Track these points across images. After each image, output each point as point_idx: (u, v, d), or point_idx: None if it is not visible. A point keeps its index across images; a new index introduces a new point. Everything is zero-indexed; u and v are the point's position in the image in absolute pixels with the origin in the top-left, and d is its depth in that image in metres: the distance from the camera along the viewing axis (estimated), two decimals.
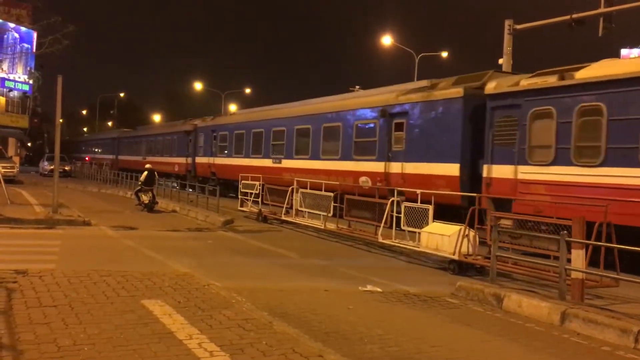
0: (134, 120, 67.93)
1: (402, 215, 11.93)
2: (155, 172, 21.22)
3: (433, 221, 11.26)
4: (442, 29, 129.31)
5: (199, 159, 30.57)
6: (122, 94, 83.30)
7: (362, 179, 17.27)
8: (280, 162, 22.52)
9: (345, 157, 18.65)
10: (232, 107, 57.96)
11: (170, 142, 35.32)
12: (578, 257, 7.72)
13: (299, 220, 16.23)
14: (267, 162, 23.39)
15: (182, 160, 32.81)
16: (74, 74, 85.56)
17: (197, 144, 31.05)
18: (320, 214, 15.01)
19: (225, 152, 27.60)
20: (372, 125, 17.64)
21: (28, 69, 47.95)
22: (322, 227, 14.90)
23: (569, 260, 7.80)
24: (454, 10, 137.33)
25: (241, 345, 5.41)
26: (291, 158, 21.90)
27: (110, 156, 49.22)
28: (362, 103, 18.69)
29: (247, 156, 25.34)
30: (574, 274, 7.77)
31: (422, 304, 7.97)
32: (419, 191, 12.19)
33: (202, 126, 30.93)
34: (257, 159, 24.32)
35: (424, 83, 17.10)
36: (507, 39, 20.65)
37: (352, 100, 20.25)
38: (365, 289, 8.69)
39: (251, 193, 18.83)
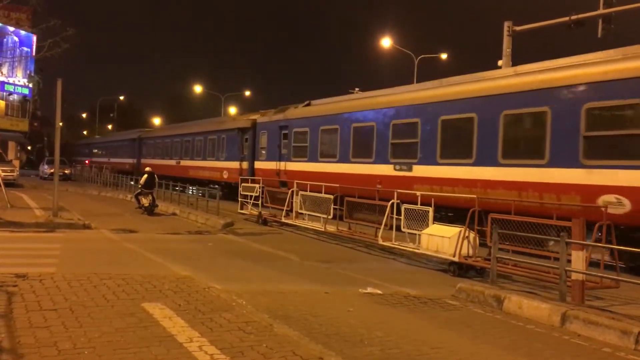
0: (134, 124, 67.86)
1: (402, 217, 11.93)
2: (156, 175, 21.21)
3: (433, 223, 11.27)
4: (442, 30, 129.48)
5: (260, 164, 24.34)
6: (122, 97, 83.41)
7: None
8: (409, 170, 15.74)
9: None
10: (232, 110, 58.04)
11: (216, 142, 28.76)
12: (578, 258, 7.72)
13: (299, 222, 16.23)
14: (382, 169, 16.68)
15: (233, 164, 26.33)
16: (74, 77, 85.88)
17: (257, 144, 24.93)
18: (320, 216, 15.01)
19: (306, 154, 20.84)
20: None
21: (28, 72, 47.99)
22: (322, 230, 14.90)
23: (569, 262, 7.81)
24: (454, 12, 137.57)
25: (242, 348, 5.41)
26: (432, 163, 15.00)
27: (130, 160, 42.44)
28: None
29: (343, 160, 18.57)
30: (574, 276, 7.77)
31: (422, 306, 7.96)
32: (418, 193, 12.21)
33: (264, 122, 24.54)
34: (362, 164, 17.61)
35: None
36: (506, 40, 20.68)
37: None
38: (366, 291, 8.69)
39: (251, 196, 18.84)
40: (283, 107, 23.87)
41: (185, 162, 32.59)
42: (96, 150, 55.75)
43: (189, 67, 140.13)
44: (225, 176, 27.21)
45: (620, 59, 11.41)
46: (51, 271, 8.58)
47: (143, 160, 39.47)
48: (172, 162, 34.08)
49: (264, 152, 24.31)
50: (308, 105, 22.20)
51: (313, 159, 20.36)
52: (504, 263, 9.47)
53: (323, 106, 21.19)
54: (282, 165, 22.35)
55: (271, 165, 23.13)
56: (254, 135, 25.21)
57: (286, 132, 22.37)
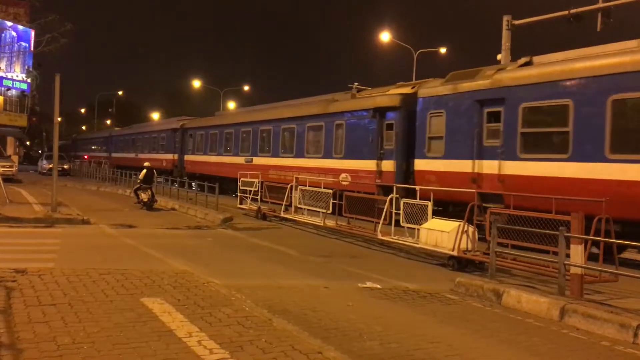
0: (133, 119, 67.79)
1: (401, 212, 11.93)
2: (154, 170, 21.18)
3: (432, 217, 11.27)
4: (441, 24, 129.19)
5: (427, 164, 15.04)
6: (120, 93, 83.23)
7: None
8: None
9: None
10: (231, 105, 57.94)
11: (329, 131, 19.51)
12: (577, 252, 7.73)
13: (298, 217, 16.23)
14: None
15: (366, 165, 17.43)
16: (73, 72, 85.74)
17: (420, 130, 15.43)
18: (319, 211, 15.01)
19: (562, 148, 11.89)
20: None
21: (26, 67, 47.85)
22: (322, 224, 14.90)
23: (568, 256, 7.81)
24: (453, 6, 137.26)
25: (241, 342, 5.42)
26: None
27: (168, 155, 34.63)
28: None
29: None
30: (573, 270, 7.78)
31: (421, 300, 7.97)
32: (418, 188, 12.21)
33: (437, 95, 15.03)
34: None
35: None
36: (505, 35, 20.62)
37: None
38: (365, 285, 8.70)
39: (250, 190, 18.83)
40: (476, 70, 14.46)
41: (264, 160, 23.53)
42: (118, 144, 46.67)
43: (187, 62, 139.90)
44: (345, 183, 17.69)
45: None
46: (50, 266, 8.58)
47: (189, 157, 31.80)
48: (238, 160, 25.37)
49: (437, 143, 14.84)
50: (528, 64, 13.31)
51: (586, 156, 11.28)
52: (503, 257, 9.48)
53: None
54: (491, 166, 13.18)
55: (458, 166, 14.00)
56: (409, 119, 16.15)
57: (495, 109, 13.29)
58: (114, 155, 46.48)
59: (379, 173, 16.85)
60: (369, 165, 17.22)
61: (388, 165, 16.70)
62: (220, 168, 26.78)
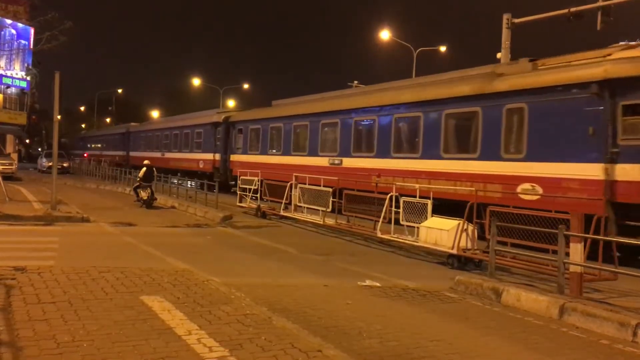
0: (132, 117, 67.69)
1: (400, 210, 11.93)
2: (154, 168, 21.16)
3: (432, 216, 11.27)
4: (440, 23, 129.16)
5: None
6: (120, 91, 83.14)
7: None
8: None
9: None
10: (230, 103, 57.89)
11: (486, 120, 13.86)
12: (576, 251, 7.73)
13: (297, 215, 16.23)
14: None
15: (579, 170, 11.58)
16: (72, 70, 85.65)
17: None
18: (319, 210, 15.01)
19: None
20: None
21: (26, 65, 47.82)
22: (321, 223, 14.90)
23: (567, 254, 7.82)
24: (453, 4, 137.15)
25: (240, 340, 5.42)
26: None
27: (209, 155, 28.52)
28: None
29: None
30: (572, 268, 7.78)
31: (421, 298, 7.98)
32: (417, 186, 12.20)
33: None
34: None
35: None
36: (505, 33, 20.62)
37: None
38: (364, 284, 8.71)
39: (250, 189, 18.82)
40: None
41: (361, 162, 17.83)
42: (139, 142, 41.24)
43: (187, 60, 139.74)
44: (530, 198, 12.16)
45: None
46: (50, 264, 8.58)
47: (237, 157, 26.27)
48: (320, 162, 19.73)
49: None
50: None
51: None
52: (502, 256, 9.49)
53: None
54: None
55: None
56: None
57: None
58: (133, 154, 41.30)
59: (610, 184, 11.00)
60: (584, 170, 11.45)
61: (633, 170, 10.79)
62: (287, 171, 19.07)
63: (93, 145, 55.71)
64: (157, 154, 34.97)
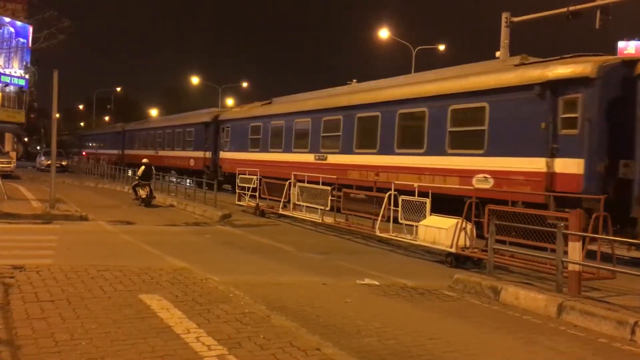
0: (131, 115, 67.61)
1: (399, 209, 11.93)
2: (153, 167, 21.15)
3: (430, 214, 11.27)
4: (439, 21, 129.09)
5: None
6: (118, 89, 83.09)
7: None
8: None
9: None
10: (229, 102, 57.83)
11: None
12: (575, 249, 7.74)
13: (296, 214, 16.22)
14: None
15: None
16: (71, 69, 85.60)
17: None
18: (317, 208, 15.01)
19: None
20: None
21: (24, 63, 47.80)
22: (320, 221, 14.90)
23: (565, 253, 7.82)
24: (452, 2, 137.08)
25: (239, 339, 5.42)
26: None
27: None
28: None
29: None
30: (570, 267, 7.79)
31: (419, 296, 7.98)
32: (416, 185, 12.21)
33: None
34: None
35: None
36: (504, 32, 20.62)
37: None
38: (363, 282, 8.71)
39: (249, 187, 18.81)
40: None
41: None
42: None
43: (185, 59, 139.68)
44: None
45: None
46: (48, 263, 8.57)
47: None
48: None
49: None
50: None
51: None
52: (501, 254, 9.49)
53: None
54: None
55: None
56: None
57: None
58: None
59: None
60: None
61: None
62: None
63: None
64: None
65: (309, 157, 20.04)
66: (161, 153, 35.05)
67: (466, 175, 13.72)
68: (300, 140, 21.05)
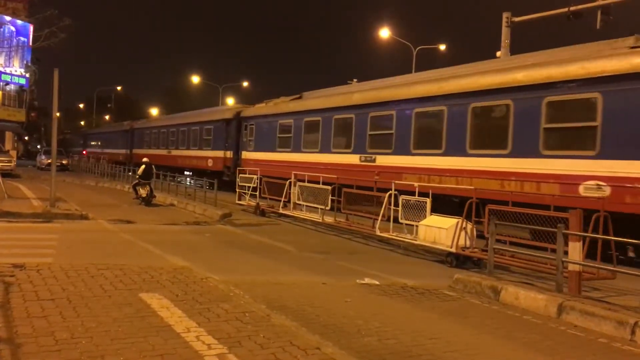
0: (131, 114, 67.53)
1: (399, 208, 11.92)
2: (153, 166, 21.15)
3: (431, 214, 11.27)
4: (440, 21, 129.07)
5: None
6: (119, 88, 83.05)
7: None
8: None
9: None
10: (230, 101, 57.78)
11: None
12: (575, 249, 7.74)
13: (296, 213, 16.22)
14: None
15: None
16: (71, 67, 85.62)
17: None
18: (318, 207, 15.00)
19: None
20: None
21: (25, 62, 47.79)
22: (320, 221, 14.90)
23: (566, 253, 7.82)
24: (453, 2, 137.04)
25: (239, 338, 5.42)
26: None
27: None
28: None
29: None
30: (571, 267, 7.79)
31: (419, 296, 7.98)
32: (416, 184, 12.20)
33: None
34: None
35: None
36: (505, 32, 20.64)
37: None
38: (363, 282, 8.71)
39: (249, 186, 18.81)
40: None
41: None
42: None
43: (186, 58, 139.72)
44: None
45: None
46: (48, 261, 8.57)
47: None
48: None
49: None
50: None
51: None
52: (501, 254, 9.49)
53: None
54: None
55: None
56: None
57: None
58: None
59: None
60: None
61: None
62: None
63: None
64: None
65: (353, 159, 17.77)
66: (174, 153, 33.27)
67: (569, 181, 11.50)
68: (341, 139, 18.69)
